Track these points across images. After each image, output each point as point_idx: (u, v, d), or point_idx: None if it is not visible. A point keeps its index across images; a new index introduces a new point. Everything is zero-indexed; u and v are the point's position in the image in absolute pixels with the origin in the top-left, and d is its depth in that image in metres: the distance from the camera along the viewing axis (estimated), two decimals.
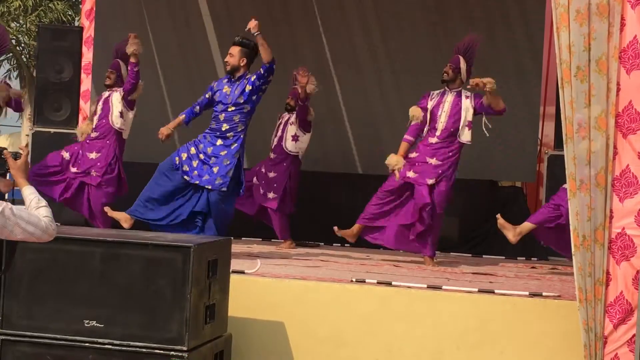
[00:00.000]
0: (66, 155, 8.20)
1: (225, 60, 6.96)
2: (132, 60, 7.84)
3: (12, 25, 21.07)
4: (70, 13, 20.93)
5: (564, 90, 4.83)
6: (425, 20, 9.27)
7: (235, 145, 6.79)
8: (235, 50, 6.90)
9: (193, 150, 6.82)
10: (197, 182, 6.73)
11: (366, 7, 9.38)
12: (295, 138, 8.21)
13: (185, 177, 6.76)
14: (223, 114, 6.82)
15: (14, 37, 21.16)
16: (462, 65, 7.24)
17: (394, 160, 7.16)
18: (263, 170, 8.31)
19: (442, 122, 7.15)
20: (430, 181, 7.04)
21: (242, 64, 6.89)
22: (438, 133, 7.16)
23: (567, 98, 4.82)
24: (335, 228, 7.28)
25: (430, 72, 9.04)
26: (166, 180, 6.84)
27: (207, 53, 9.69)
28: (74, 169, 8.12)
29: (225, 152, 6.78)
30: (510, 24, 9.03)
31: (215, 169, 6.73)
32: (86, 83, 10.09)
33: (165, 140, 7.01)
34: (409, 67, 9.27)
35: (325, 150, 9.08)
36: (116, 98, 8.05)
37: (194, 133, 7.13)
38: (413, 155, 7.21)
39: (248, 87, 6.80)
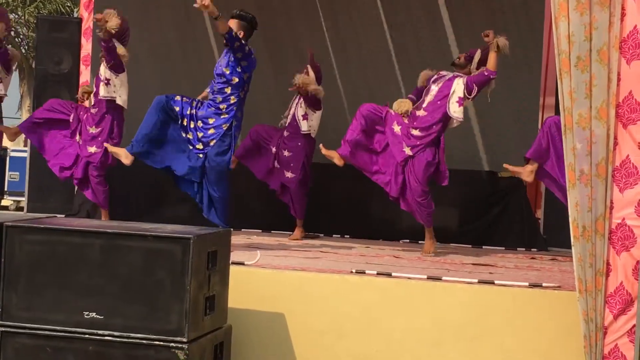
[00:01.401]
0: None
1: None
2: (106, 37, 7.74)
3: (11, 16, 21.03)
4: (68, 4, 20.88)
5: (563, 81, 4.82)
6: (426, 11, 9.24)
7: (226, 116, 6.72)
8: (232, 23, 6.84)
9: (192, 111, 6.81)
10: (190, 147, 6.73)
11: (367, 0, 9.37)
12: (305, 117, 8.22)
13: (183, 133, 6.76)
14: (217, 86, 6.81)
15: (13, 29, 21.12)
16: (477, 57, 7.22)
17: (405, 105, 7.17)
18: (274, 149, 8.29)
19: (431, 95, 7.16)
20: (407, 150, 7.13)
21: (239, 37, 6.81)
22: (425, 105, 7.19)
23: (566, 88, 4.82)
24: (321, 146, 7.45)
25: (432, 62, 9.04)
26: (164, 124, 6.83)
27: (207, 44, 9.68)
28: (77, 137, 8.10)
29: (214, 120, 6.75)
30: (511, 14, 9.01)
31: (199, 134, 6.73)
32: (85, 74, 10.07)
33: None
34: (411, 57, 9.25)
35: (325, 141, 9.05)
36: (102, 70, 7.99)
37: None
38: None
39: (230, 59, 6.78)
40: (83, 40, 9.84)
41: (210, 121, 6.73)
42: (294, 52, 9.28)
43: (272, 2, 9.62)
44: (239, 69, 6.75)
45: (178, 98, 6.87)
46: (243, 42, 6.72)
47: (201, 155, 6.70)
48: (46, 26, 9.53)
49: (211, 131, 6.71)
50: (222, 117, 6.72)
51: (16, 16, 21.17)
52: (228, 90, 6.76)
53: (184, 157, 6.75)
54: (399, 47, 9.34)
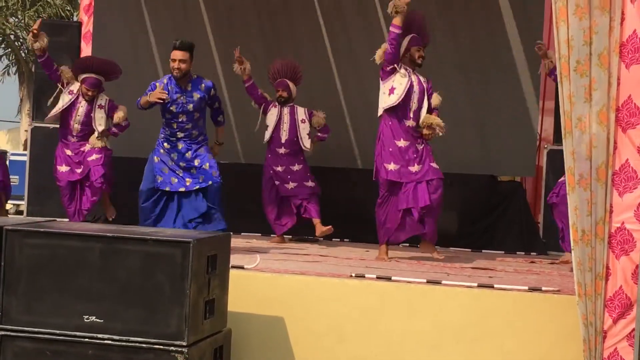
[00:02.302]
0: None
1: (178, 66, 6.87)
2: (40, 53, 7.86)
3: (11, 20, 21.05)
4: (68, 8, 20.90)
5: (563, 85, 4.83)
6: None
7: (205, 145, 7.03)
8: (186, 55, 6.88)
9: (170, 162, 6.93)
10: (197, 186, 6.84)
11: (368, 1, 9.37)
12: (309, 135, 8.29)
13: (182, 189, 6.86)
14: (190, 123, 6.91)
15: (13, 32, 21.14)
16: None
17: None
18: (280, 168, 8.29)
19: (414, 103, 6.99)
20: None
21: (190, 69, 6.94)
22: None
23: (566, 92, 4.82)
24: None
25: (430, 65, 9.05)
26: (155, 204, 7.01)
27: (206, 47, 9.68)
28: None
29: (202, 149, 6.95)
30: (510, 17, 9.02)
31: (206, 166, 6.88)
32: None
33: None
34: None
35: (325, 145, 9.06)
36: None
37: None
38: (401, 143, 6.94)
39: (207, 93, 6.96)
40: (83, 44, 9.86)
41: (201, 151, 7.04)
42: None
43: (271, 7, 9.62)
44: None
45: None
46: None
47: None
48: (46, 30, 9.49)
49: (210, 157, 7.03)
50: (205, 145, 7.10)
51: (16, 20, 21.18)
52: (200, 123, 7.06)
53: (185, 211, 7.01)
54: None
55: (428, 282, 5.76)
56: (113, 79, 8.18)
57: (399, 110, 6.89)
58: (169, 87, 6.90)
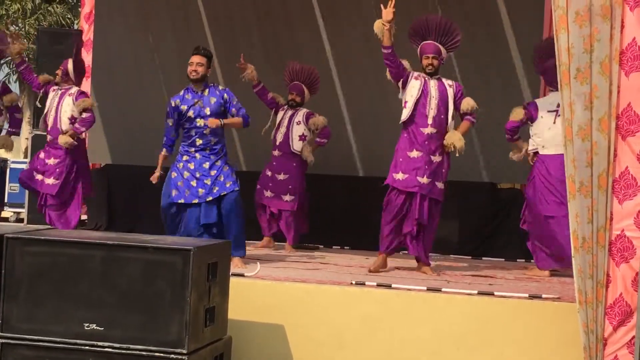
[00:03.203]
0: None
1: (194, 68, 6.81)
2: (17, 60, 7.92)
3: (11, 28, 21.07)
4: (69, 16, 20.93)
5: (563, 93, 4.83)
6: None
7: (225, 157, 6.88)
8: (203, 60, 6.84)
9: (187, 174, 6.79)
10: (211, 197, 6.71)
11: (367, 7, 9.37)
12: (302, 138, 8.22)
13: (194, 200, 6.73)
14: (208, 129, 6.77)
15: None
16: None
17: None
18: (269, 173, 8.28)
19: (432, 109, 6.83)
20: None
21: (208, 74, 6.90)
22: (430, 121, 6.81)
23: (566, 100, 4.83)
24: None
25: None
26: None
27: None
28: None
29: (220, 161, 6.82)
30: (509, 25, 9.02)
31: (221, 177, 6.76)
32: (85, 86, 10.10)
33: None
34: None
35: (326, 153, 9.06)
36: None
37: None
38: (413, 154, 6.79)
39: (222, 99, 6.84)
40: (83, 52, 9.86)
41: (218, 163, 6.88)
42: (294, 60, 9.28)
43: (272, 12, 9.63)
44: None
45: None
46: None
47: None
48: (47, 38, 9.56)
49: (225, 168, 6.87)
50: (223, 156, 6.92)
51: (17, 28, 21.21)
52: (220, 131, 6.88)
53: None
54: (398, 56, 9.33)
55: (428, 289, 5.76)
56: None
57: (416, 119, 6.76)
58: (186, 96, 6.84)
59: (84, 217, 9.93)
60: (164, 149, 6.95)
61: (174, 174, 6.85)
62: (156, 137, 9.93)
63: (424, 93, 6.77)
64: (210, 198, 6.69)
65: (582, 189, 4.83)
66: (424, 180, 6.69)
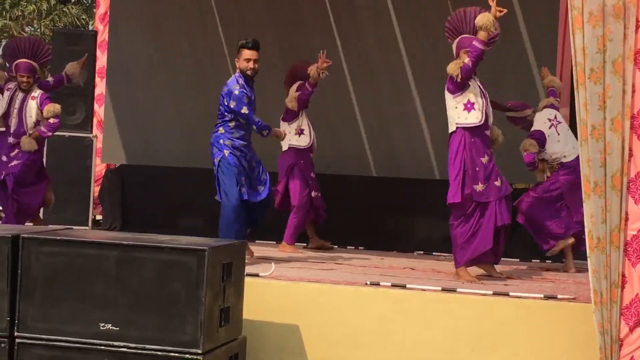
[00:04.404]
0: None
1: (253, 66, 6.72)
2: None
3: (27, 29, 21.16)
4: (84, 17, 20.99)
5: (579, 93, 4.82)
6: (439, 22, 9.23)
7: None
8: (258, 55, 6.76)
9: (245, 165, 6.74)
10: (259, 198, 6.76)
11: (380, 9, 9.37)
12: (300, 132, 8.25)
13: (253, 199, 6.72)
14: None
15: None
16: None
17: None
18: (314, 175, 8.28)
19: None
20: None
21: None
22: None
23: (582, 100, 4.82)
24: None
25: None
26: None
27: (221, 56, 9.70)
28: None
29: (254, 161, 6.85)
30: (524, 24, 9.00)
31: (263, 177, 6.83)
32: (100, 87, 10.15)
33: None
34: (424, 69, 9.25)
35: (339, 153, 9.07)
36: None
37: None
38: (485, 159, 6.42)
39: None
40: (98, 53, 9.91)
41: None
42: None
43: (286, 13, 9.64)
44: None
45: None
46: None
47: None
48: (62, 39, 9.59)
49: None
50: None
51: (32, 29, 21.30)
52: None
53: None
54: (412, 56, 9.34)
55: (443, 289, 5.75)
56: (45, 61, 8.04)
57: (485, 121, 6.39)
58: (246, 89, 6.73)
59: (98, 217, 9.98)
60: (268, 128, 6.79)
61: (235, 167, 6.66)
62: (170, 137, 9.98)
63: (482, 94, 6.41)
64: (259, 199, 6.75)
65: (596, 189, 4.82)
66: (499, 183, 6.43)
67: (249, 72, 6.69)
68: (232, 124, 6.73)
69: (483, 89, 6.48)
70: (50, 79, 8.33)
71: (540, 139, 7.28)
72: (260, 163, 6.87)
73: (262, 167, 6.85)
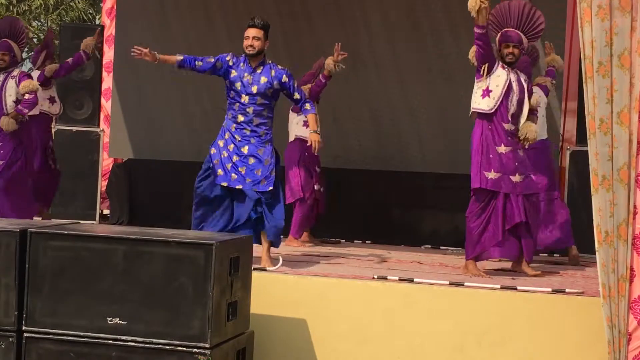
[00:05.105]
0: None
1: (250, 43, 6.31)
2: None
3: (34, 24, 21.18)
4: (91, 11, 20.99)
5: (587, 86, 4.81)
6: (444, 17, 9.23)
7: (270, 144, 6.35)
8: (260, 33, 6.33)
9: (225, 153, 6.33)
10: (240, 186, 6.28)
11: (386, 3, 9.36)
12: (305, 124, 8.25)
13: (223, 183, 6.30)
14: (252, 107, 6.32)
15: (36, 36, 21.28)
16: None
17: None
18: (319, 169, 8.25)
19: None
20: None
21: (266, 48, 6.39)
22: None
23: (590, 93, 4.81)
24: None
25: (452, 65, 9.02)
26: (208, 199, 6.39)
27: (228, 50, 9.67)
28: None
29: (263, 150, 6.32)
30: None
31: (258, 171, 6.28)
32: (107, 81, 10.16)
33: (139, 54, 6.49)
34: (430, 61, 9.24)
35: (345, 147, 9.07)
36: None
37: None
38: (502, 149, 6.33)
39: (278, 81, 6.28)
40: (105, 47, 9.92)
41: (260, 152, 6.33)
42: (313, 56, 9.27)
43: (294, 10, 9.62)
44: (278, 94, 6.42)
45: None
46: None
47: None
48: (69, 33, 9.60)
49: (267, 162, 6.33)
50: (267, 145, 6.35)
51: (39, 23, 21.31)
52: (266, 113, 6.36)
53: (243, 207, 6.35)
54: (421, 49, 9.32)
55: (450, 284, 5.75)
56: (23, 42, 7.95)
57: (498, 113, 6.32)
58: (240, 65, 6.33)
59: (105, 211, 9.99)
60: (182, 56, 6.50)
61: (213, 150, 6.39)
62: (177, 132, 9.99)
63: (508, 87, 6.32)
64: (240, 186, 6.27)
65: (604, 182, 4.81)
66: (517, 178, 6.33)
67: (246, 50, 6.34)
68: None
69: (518, 84, 6.38)
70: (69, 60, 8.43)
71: None
72: (257, 157, 6.31)
73: (257, 161, 6.30)
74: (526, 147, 6.47)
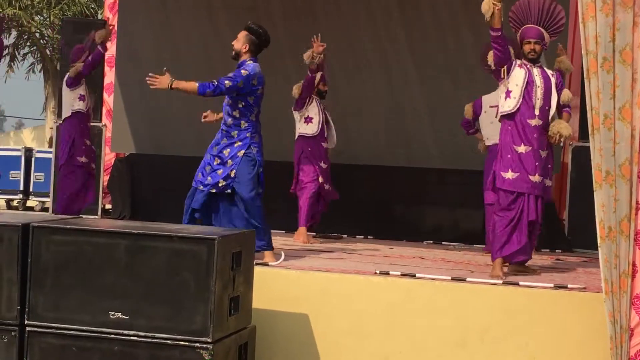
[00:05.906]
0: None
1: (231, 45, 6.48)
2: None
3: (36, 18, 21.17)
4: (93, 6, 20.99)
5: (591, 81, 4.80)
6: (447, 12, 9.22)
7: (240, 144, 6.25)
8: (241, 34, 6.45)
9: (208, 157, 6.35)
10: (201, 187, 6.27)
11: (390, 3, 9.35)
12: (308, 120, 8.23)
13: (200, 186, 6.29)
14: (226, 107, 6.36)
15: (38, 31, 21.27)
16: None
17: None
18: (324, 166, 8.23)
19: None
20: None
21: (243, 50, 6.42)
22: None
23: (594, 89, 4.80)
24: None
25: (454, 64, 9.01)
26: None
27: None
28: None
29: (229, 150, 6.28)
30: None
31: (219, 172, 6.26)
32: (110, 76, 10.16)
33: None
34: (433, 59, 9.23)
35: (349, 142, 9.06)
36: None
37: None
38: (521, 149, 6.22)
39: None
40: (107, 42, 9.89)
41: (226, 152, 6.29)
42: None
43: (297, 6, 9.61)
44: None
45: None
46: (230, 84, 6.24)
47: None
48: (71, 28, 9.62)
49: (229, 163, 6.26)
50: (235, 145, 6.28)
51: (41, 18, 21.31)
52: (237, 114, 6.30)
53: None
54: (423, 47, 9.31)
55: (453, 279, 5.75)
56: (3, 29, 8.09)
57: (522, 110, 6.21)
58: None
59: (108, 206, 10.00)
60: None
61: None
62: (179, 126, 9.98)
63: (529, 82, 6.22)
64: (201, 187, 6.27)
65: (608, 177, 4.81)
66: (536, 178, 6.20)
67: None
68: None
69: (542, 77, 6.29)
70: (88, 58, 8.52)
71: (476, 112, 7.81)
72: (223, 157, 6.26)
73: (222, 160, 6.25)
74: (561, 144, 6.46)
